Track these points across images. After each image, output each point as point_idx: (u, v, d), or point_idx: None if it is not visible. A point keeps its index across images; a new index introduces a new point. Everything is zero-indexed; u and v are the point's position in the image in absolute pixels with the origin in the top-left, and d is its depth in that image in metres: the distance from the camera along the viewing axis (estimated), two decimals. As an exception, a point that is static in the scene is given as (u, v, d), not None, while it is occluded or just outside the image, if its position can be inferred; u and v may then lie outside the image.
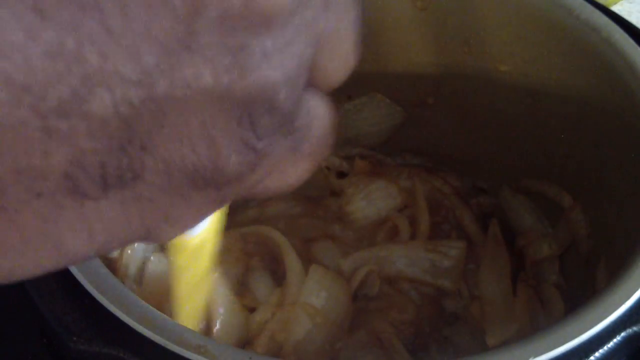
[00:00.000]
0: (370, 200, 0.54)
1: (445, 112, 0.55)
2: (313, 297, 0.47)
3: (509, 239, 0.53)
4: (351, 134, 0.58)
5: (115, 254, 0.45)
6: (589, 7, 0.43)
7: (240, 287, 0.49)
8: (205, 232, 0.31)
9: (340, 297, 0.47)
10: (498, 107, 0.51)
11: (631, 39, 0.41)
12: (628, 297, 0.31)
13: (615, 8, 0.67)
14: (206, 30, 0.17)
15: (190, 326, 0.33)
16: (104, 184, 0.17)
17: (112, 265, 0.45)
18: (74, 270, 0.31)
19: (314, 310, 0.46)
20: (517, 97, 0.50)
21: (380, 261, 0.50)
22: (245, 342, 0.46)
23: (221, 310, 0.45)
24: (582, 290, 0.47)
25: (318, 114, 0.22)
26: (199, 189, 0.19)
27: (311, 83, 0.21)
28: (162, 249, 0.49)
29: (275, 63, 0.18)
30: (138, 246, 0.47)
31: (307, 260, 0.50)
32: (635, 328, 0.30)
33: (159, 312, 0.30)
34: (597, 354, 0.29)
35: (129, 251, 0.46)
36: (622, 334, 0.30)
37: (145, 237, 0.20)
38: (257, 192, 0.22)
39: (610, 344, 0.30)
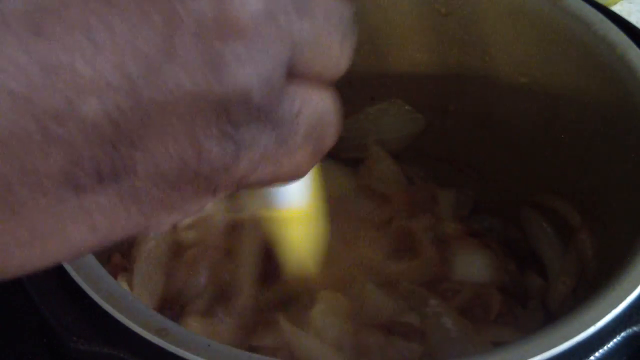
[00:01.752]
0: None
1: (465, 120, 0.55)
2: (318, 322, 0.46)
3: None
4: (371, 139, 0.58)
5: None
6: (608, 23, 0.43)
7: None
8: (294, 203, 0.33)
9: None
10: (516, 118, 0.51)
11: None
12: (628, 297, 0.31)
13: (616, 8, 0.68)
14: (184, 41, 0.19)
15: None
16: (99, 177, 0.19)
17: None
18: (73, 273, 0.31)
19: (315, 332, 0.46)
20: (535, 108, 0.49)
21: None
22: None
23: None
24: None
25: (309, 104, 0.23)
26: (189, 180, 0.21)
27: (301, 76, 0.22)
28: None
29: (248, 67, 0.20)
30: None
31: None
32: (635, 328, 0.30)
33: (157, 314, 0.30)
34: (597, 354, 0.29)
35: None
36: (622, 334, 0.30)
37: (146, 226, 0.22)
38: (252, 182, 0.23)
39: (610, 344, 0.30)
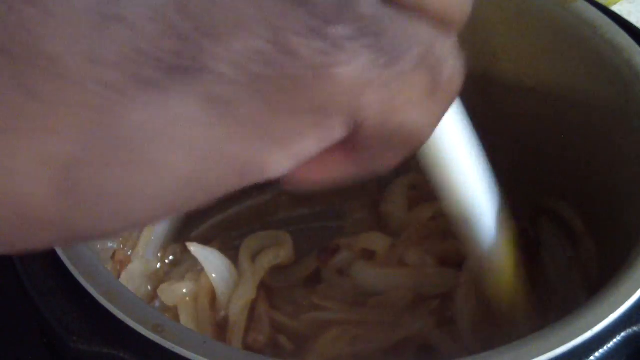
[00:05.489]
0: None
1: (471, 121, 0.55)
2: None
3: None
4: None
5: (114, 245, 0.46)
6: (614, 27, 0.43)
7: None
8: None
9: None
10: (522, 120, 0.51)
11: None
12: (628, 298, 0.30)
13: (615, 8, 0.67)
14: None
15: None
16: (167, 69, 0.17)
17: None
18: (73, 270, 0.31)
19: None
20: (540, 110, 0.49)
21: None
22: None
23: None
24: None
25: (424, 34, 0.20)
26: (281, 87, 0.18)
27: (414, 7, 0.20)
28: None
29: None
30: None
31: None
32: (635, 328, 0.30)
33: (159, 313, 0.30)
34: (597, 354, 0.29)
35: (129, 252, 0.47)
36: (622, 334, 0.30)
37: (248, 162, 0.19)
38: (366, 112, 0.20)
39: (610, 344, 0.30)
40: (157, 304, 0.47)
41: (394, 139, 0.21)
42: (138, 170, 0.18)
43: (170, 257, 0.50)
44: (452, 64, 0.22)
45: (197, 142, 0.18)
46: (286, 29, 0.17)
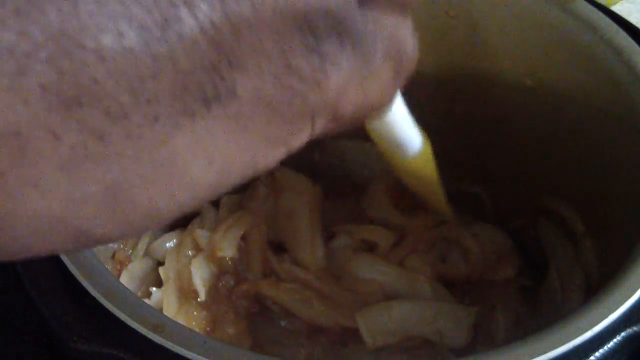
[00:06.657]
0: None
1: (471, 122, 0.54)
2: None
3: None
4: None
5: (115, 245, 0.46)
6: (614, 27, 0.43)
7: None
8: (420, 156, 0.39)
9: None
10: (522, 120, 0.51)
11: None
12: (628, 297, 0.30)
13: (616, 8, 0.67)
14: None
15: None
16: (206, 101, 0.20)
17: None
18: (73, 270, 0.31)
19: None
20: (540, 111, 0.49)
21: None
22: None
23: None
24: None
25: (383, 25, 0.24)
26: (287, 101, 0.22)
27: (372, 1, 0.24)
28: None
29: None
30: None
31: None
32: (635, 328, 0.30)
33: (159, 312, 0.30)
34: (597, 354, 0.29)
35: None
36: (622, 334, 0.30)
37: (255, 163, 0.22)
38: (347, 112, 0.24)
39: (610, 344, 0.30)
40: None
41: (361, 114, 0.26)
42: (169, 184, 0.20)
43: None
44: (410, 47, 0.26)
45: (217, 155, 0.21)
46: (294, 53, 0.21)
